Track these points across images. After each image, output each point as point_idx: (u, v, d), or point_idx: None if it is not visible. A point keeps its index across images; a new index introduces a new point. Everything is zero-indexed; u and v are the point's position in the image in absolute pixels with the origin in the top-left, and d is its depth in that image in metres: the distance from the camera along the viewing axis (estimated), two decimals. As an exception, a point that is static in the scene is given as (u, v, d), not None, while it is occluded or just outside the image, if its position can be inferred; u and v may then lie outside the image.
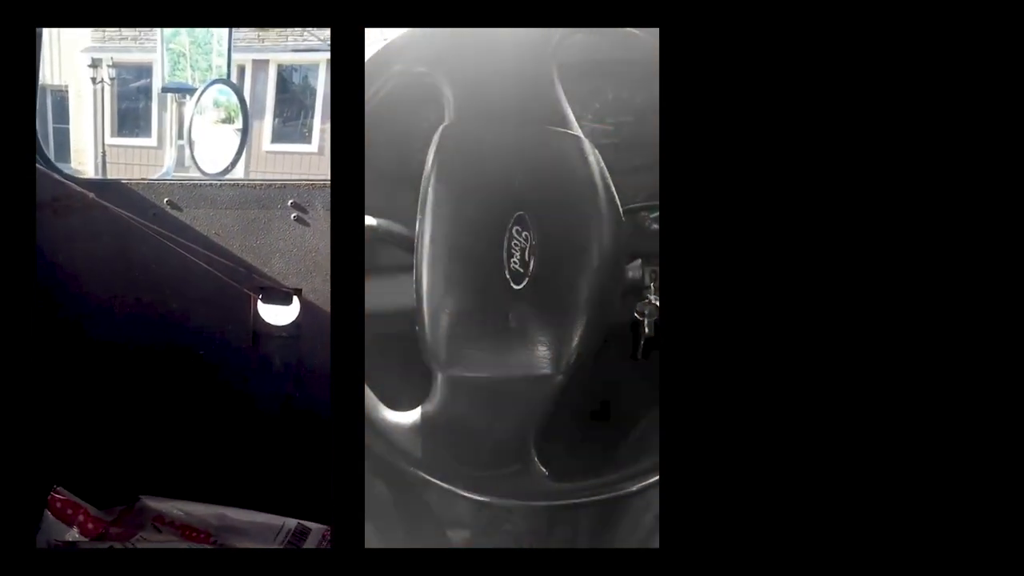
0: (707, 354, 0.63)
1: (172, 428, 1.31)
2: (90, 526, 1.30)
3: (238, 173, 1.57)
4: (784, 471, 0.62)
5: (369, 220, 0.76)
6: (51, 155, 1.29)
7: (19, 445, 0.72)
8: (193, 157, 1.40)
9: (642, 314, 0.76)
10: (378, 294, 0.79)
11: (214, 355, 1.27)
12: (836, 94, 0.62)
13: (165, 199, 1.22)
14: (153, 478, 1.32)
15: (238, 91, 1.53)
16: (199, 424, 1.31)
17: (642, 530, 0.90)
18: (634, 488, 0.69)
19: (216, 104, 1.51)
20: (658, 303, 0.75)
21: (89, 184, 1.23)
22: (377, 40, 0.75)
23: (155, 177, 1.47)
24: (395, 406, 0.71)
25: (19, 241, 0.72)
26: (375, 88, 0.73)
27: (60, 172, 1.23)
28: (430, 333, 0.67)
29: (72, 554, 1.19)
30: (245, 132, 1.43)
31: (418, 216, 0.68)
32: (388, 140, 0.89)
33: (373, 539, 0.90)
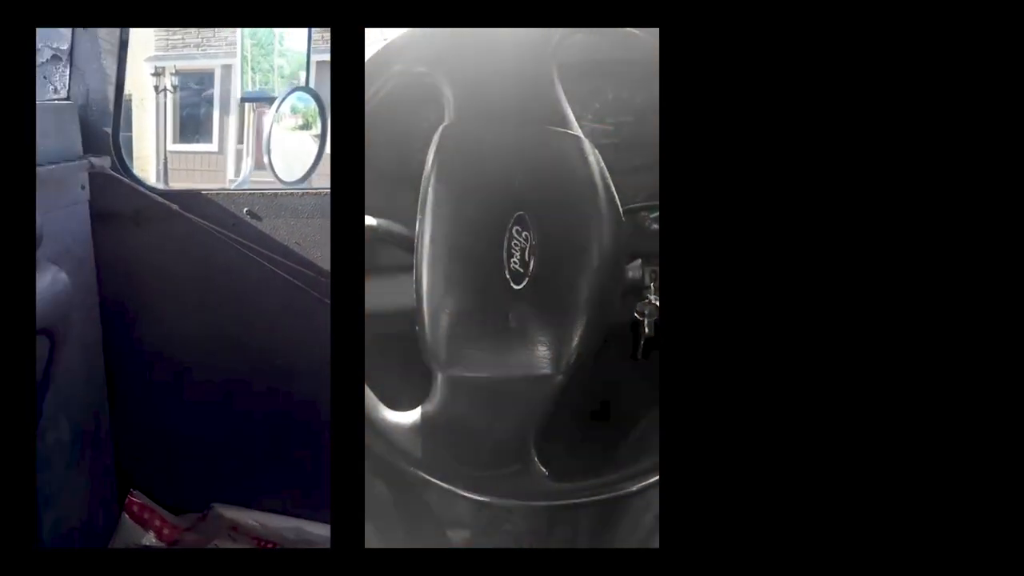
0: (707, 354, 0.63)
1: (249, 436, 1.31)
2: (166, 532, 1.32)
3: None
4: (784, 471, 0.62)
5: (369, 220, 0.76)
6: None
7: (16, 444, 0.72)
8: (271, 165, 1.37)
9: (642, 314, 0.76)
10: (378, 294, 0.79)
11: (294, 364, 1.26)
12: (836, 94, 0.62)
13: (245, 209, 1.21)
14: (228, 486, 1.32)
15: (317, 97, 1.48)
16: (276, 432, 1.30)
17: (642, 530, 0.90)
18: (634, 488, 0.69)
19: (294, 111, 1.47)
20: (658, 303, 0.75)
21: (171, 195, 1.22)
22: (377, 40, 0.75)
23: (232, 187, 1.42)
24: (395, 406, 0.71)
25: (19, 245, 0.72)
26: (375, 88, 0.73)
27: (143, 184, 1.22)
28: (430, 333, 0.67)
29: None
30: (323, 139, 1.39)
31: (418, 216, 0.68)
32: (388, 140, 0.89)
33: (373, 539, 0.90)
